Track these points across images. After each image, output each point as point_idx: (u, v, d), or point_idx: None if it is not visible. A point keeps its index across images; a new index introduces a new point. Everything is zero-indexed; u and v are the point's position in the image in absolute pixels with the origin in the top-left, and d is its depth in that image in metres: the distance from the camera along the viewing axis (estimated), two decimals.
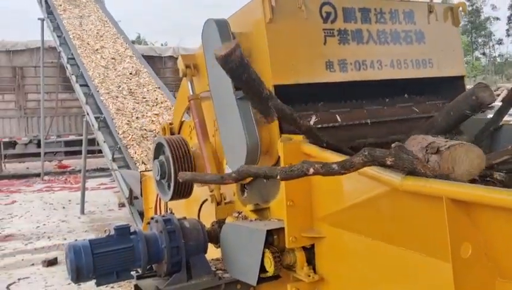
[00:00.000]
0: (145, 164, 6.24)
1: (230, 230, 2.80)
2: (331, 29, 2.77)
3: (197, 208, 3.34)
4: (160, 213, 4.24)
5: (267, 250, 2.49)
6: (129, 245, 2.68)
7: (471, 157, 1.83)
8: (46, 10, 11.68)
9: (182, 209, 3.82)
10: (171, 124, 4.07)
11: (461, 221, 1.57)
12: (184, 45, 16.37)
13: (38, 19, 12.41)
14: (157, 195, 4.23)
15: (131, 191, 6.02)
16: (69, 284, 5.27)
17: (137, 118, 7.39)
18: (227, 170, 3.11)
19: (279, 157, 2.58)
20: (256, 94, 2.20)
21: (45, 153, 13.85)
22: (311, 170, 1.88)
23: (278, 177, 2.00)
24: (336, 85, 2.77)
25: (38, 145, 14.05)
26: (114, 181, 12.81)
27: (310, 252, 2.51)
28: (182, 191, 3.31)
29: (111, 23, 11.03)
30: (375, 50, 2.88)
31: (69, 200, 10.25)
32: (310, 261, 2.50)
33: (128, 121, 7.28)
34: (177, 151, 3.26)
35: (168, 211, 3.09)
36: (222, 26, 2.67)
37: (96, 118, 7.75)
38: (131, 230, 2.73)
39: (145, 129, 7.12)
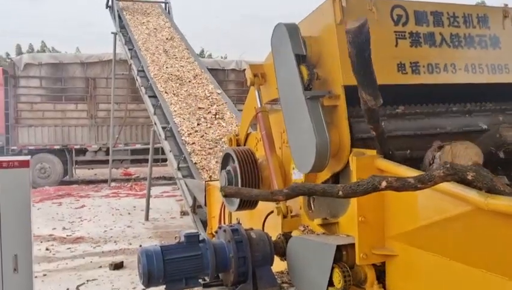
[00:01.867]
0: (205, 169, 6.34)
1: (298, 243, 2.78)
2: (402, 32, 2.74)
3: (260, 220, 3.34)
4: (224, 223, 4.28)
5: (336, 266, 2.45)
6: (198, 253, 2.72)
7: (470, 153, 1.96)
8: (119, 25, 12.27)
9: (245, 220, 3.85)
10: (237, 135, 4.13)
11: None
12: (245, 58, 16.59)
13: (112, 32, 13.08)
14: (222, 205, 4.29)
15: (194, 199, 6.14)
16: (134, 288, 5.45)
17: (202, 129, 7.57)
18: (295, 175, 3.12)
19: (347, 163, 2.55)
20: (369, 75, 2.14)
21: (113, 161, 14.47)
22: (384, 184, 1.81)
23: (340, 194, 1.91)
24: (407, 88, 2.72)
25: (107, 153, 14.70)
26: (176, 190, 13.23)
27: (380, 269, 2.45)
28: (249, 202, 3.33)
29: (179, 38, 11.42)
30: (449, 53, 2.80)
31: (134, 207, 10.61)
32: (380, 279, 2.45)
33: (194, 131, 7.46)
34: (245, 162, 3.31)
35: (236, 221, 3.12)
36: (292, 30, 2.70)
37: (163, 128, 8.00)
38: (200, 238, 2.79)
39: (210, 140, 7.28)
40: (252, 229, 2.98)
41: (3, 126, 14.32)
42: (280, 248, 2.93)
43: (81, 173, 16.12)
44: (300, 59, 2.67)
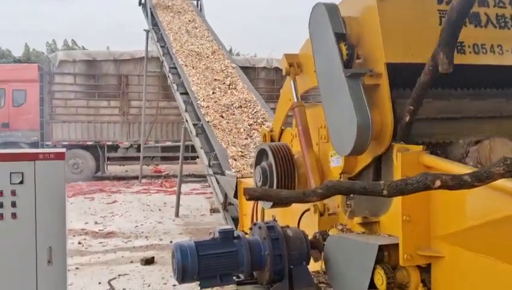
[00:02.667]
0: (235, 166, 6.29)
1: (337, 242, 2.68)
2: (446, 11, 2.62)
3: (294, 217, 3.26)
4: (257, 220, 4.21)
5: (378, 266, 2.35)
6: (233, 249, 2.66)
7: (505, 150, 1.94)
8: (152, 22, 12.35)
9: (278, 217, 3.76)
10: (271, 130, 4.05)
11: None
12: (275, 56, 16.50)
13: (144, 30, 13.19)
14: (255, 202, 4.22)
15: (226, 196, 6.09)
16: (165, 284, 5.44)
17: (216, 96, 7.69)
18: (333, 162, 3.01)
19: (389, 147, 2.45)
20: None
21: (143, 158, 14.61)
22: (438, 183, 1.69)
23: (385, 193, 1.79)
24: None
25: (138, 149, 14.85)
26: (206, 187, 13.26)
27: (424, 271, 2.34)
28: None
29: (212, 36, 11.40)
30: (495, 34, 2.67)
31: (164, 203, 10.67)
32: (424, 281, 2.33)
33: (225, 128, 7.41)
34: (281, 159, 3.22)
35: (272, 218, 3.03)
36: (332, 9, 2.63)
37: (194, 124, 7.99)
38: (235, 234, 2.72)
39: (223, 105, 7.39)
40: (288, 226, 2.91)
41: (38, 122, 14.64)
42: (317, 247, 2.83)
43: (112, 169, 16.35)
44: (340, 38, 2.59)
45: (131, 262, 6.29)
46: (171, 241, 7.29)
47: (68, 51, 15.40)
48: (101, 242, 7.39)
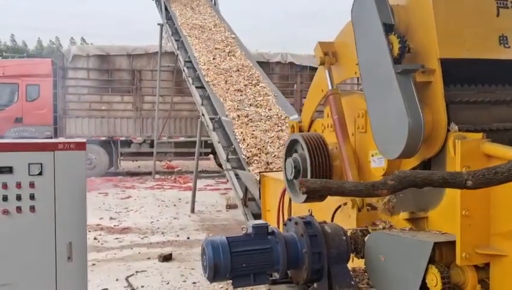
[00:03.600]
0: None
1: (381, 240, 2.47)
2: (504, 0, 2.39)
3: (325, 213, 3.05)
4: (283, 216, 4.02)
5: (432, 266, 2.14)
6: (267, 246, 2.46)
7: None
8: (166, 16, 12.19)
9: (306, 212, 3.58)
10: (300, 122, 3.85)
11: None
12: (289, 51, 16.27)
13: (158, 24, 13.04)
14: (281, 196, 4.02)
15: (246, 192, 5.90)
16: (185, 281, 5.27)
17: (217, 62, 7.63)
18: (374, 163, 2.81)
19: (441, 149, 2.25)
20: None
21: (157, 153, 14.47)
22: None
23: (469, 184, 1.57)
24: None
25: (151, 145, 14.72)
26: (220, 183, 13.10)
27: (482, 271, 2.12)
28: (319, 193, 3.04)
29: (226, 29, 11.22)
30: None
31: (179, 199, 10.53)
32: (482, 281, 2.12)
33: (243, 122, 7.22)
34: (315, 150, 3.01)
35: (308, 213, 2.83)
36: None
37: (211, 118, 7.81)
38: (269, 230, 2.53)
39: (222, 69, 7.29)
40: (325, 222, 2.71)
41: (51, 117, 14.56)
42: (357, 244, 2.63)
43: (125, 164, 16.24)
44: (388, 29, 2.37)
45: (149, 258, 6.13)
46: (188, 238, 7.13)
47: (82, 45, 15.24)
48: (117, 238, 7.24)
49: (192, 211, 9.11)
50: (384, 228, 2.67)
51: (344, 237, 2.57)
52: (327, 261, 2.45)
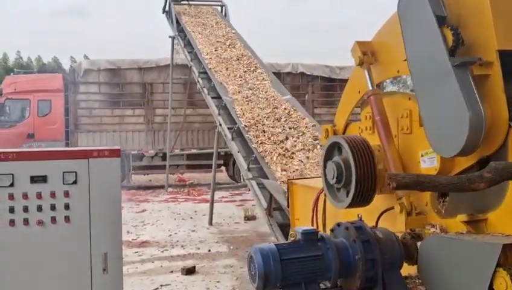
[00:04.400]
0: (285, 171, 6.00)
1: (439, 244, 2.34)
2: None
3: (367, 219, 2.91)
4: (317, 225, 3.89)
5: (499, 269, 2.00)
6: (318, 253, 2.34)
7: None
8: (177, 28, 12.18)
9: (341, 219, 3.46)
10: (334, 126, 3.73)
11: None
12: (301, 61, 16.22)
13: (169, 36, 13.04)
14: (315, 203, 3.90)
15: (270, 201, 5.78)
16: None
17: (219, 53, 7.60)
18: (424, 163, 2.69)
19: (501, 146, 2.13)
20: None
21: (169, 166, 14.38)
22: None
23: None
24: None
25: (163, 158, 14.64)
26: (235, 195, 12.98)
27: None
28: (364, 197, 2.91)
29: (238, 40, 11.19)
30: None
31: (195, 211, 10.40)
32: None
33: (262, 131, 7.13)
34: (360, 152, 2.89)
35: (358, 217, 2.71)
36: None
37: (229, 128, 7.72)
38: (319, 236, 2.41)
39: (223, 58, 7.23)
40: (375, 227, 2.59)
41: (63, 132, 14.55)
42: (408, 250, 2.50)
43: (135, 178, 16.16)
44: (442, 21, 2.27)
45: (171, 272, 6.00)
46: (209, 250, 7.00)
47: (93, 59, 15.20)
48: (136, 252, 7.12)
49: (210, 223, 8.98)
50: (437, 231, 2.55)
51: (397, 242, 2.46)
52: (381, 268, 2.34)
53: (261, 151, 6.49)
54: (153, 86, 15.13)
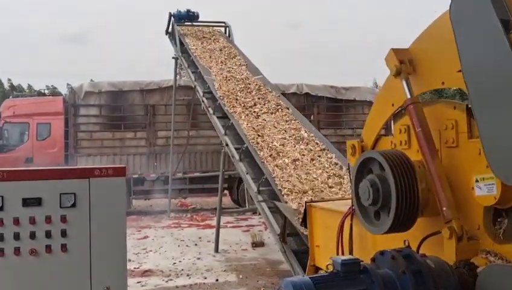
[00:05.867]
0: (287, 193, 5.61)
1: (502, 274, 1.98)
2: None
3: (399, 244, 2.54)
4: (342, 252, 3.50)
5: None
6: (361, 287, 1.99)
7: None
8: (180, 49, 11.97)
9: (376, 245, 3.09)
10: (361, 141, 3.39)
11: None
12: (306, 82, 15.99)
13: (172, 57, 12.83)
14: (340, 228, 3.52)
15: (284, 226, 5.38)
16: None
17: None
18: (480, 190, 2.33)
19: None
20: None
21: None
22: None
23: None
24: None
25: (165, 182, 14.24)
26: (240, 220, 12.54)
27: None
28: (406, 220, 2.55)
29: (242, 59, 10.96)
30: None
31: (199, 238, 9.96)
32: None
33: (271, 150, 6.78)
34: (400, 169, 2.53)
35: (404, 244, 2.34)
36: None
37: (236, 148, 7.37)
38: (362, 267, 2.05)
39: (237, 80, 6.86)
40: (424, 255, 2.23)
41: (63, 155, 14.21)
42: (466, 282, 2.13)
43: (136, 203, 15.72)
44: (507, 26, 1.95)
45: None
46: (217, 280, 6.55)
47: (94, 82, 14.97)
48: (139, 282, 6.66)
49: (216, 250, 8.53)
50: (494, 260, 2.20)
51: (451, 273, 2.11)
52: None
53: (274, 174, 6.11)
54: (155, 108, 14.84)
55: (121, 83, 14.96)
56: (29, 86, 50.53)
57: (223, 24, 13.33)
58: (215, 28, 13.27)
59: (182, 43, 12.08)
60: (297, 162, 6.52)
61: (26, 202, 2.45)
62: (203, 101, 9.50)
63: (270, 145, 6.82)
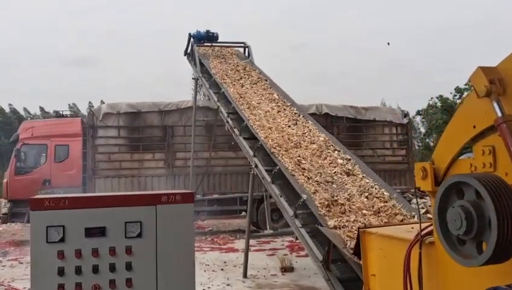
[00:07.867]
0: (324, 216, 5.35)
1: None
2: None
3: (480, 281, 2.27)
4: (410, 284, 3.22)
5: None
6: None
7: None
8: (201, 70, 11.85)
9: (446, 281, 2.83)
10: (432, 163, 3.14)
11: None
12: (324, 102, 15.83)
13: (192, 78, 12.73)
14: (406, 256, 3.25)
15: (328, 252, 5.10)
16: None
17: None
18: None
19: None
20: None
21: None
22: None
23: None
24: None
25: None
26: (262, 244, 12.20)
27: None
28: (505, 251, 2.29)
29: (264, 79, 10.81)
30: None
31: (225, 262, 9.63)
32: None
33: (304, 171, 6.54)
34: (500, 193, 2.29)
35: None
36: None
37: (268, 171, 7.12)
38: None
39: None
40: None
41: (81, 178, 14.05)
42: None
43: None
44: None
45: None
46: None
47: (113, 103, 14.84)
48: None
49: (245, 275, 8.22)
50: None
51: None
52: None
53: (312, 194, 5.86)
54: (173, 129, 14.69)
55: (140, 104, 14.85)
56: (41, 108, 50.63)
57: (243, 44, 13.24)
58: (234, 48, 13.20)
59: (202, 64, 11.98)
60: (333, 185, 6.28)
61: (89, 232, 2.23)
62: (227, 122, 9.30)
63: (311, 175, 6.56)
